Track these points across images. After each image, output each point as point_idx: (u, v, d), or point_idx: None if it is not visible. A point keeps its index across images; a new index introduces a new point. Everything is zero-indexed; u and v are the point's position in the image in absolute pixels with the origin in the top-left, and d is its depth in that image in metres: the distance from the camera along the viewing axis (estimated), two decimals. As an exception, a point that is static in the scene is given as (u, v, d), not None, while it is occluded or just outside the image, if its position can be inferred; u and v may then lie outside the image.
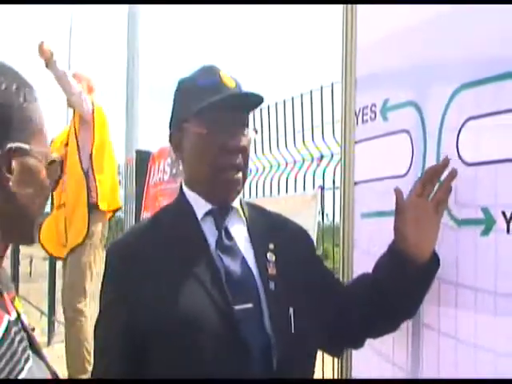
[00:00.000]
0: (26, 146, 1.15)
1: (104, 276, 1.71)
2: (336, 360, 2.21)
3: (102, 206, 5.11)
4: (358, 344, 1.87)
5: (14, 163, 1.14)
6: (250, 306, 1.59)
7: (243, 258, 1.65)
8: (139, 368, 1.57)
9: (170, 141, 1.75)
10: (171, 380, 1.54)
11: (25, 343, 1.14)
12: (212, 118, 1.62)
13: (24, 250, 5.92)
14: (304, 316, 1.62)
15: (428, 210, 1.67)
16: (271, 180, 4.48)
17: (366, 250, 1.94)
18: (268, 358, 1.55)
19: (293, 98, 4.18)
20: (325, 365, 3.79)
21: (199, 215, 1.68)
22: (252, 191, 4.72)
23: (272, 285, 1.62)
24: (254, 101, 1.71)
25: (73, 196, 5.01)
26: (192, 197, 1.70)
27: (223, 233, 1.67)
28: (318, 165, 3.98)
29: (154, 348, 1.56)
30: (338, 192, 3.15)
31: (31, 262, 10.86)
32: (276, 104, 4.36)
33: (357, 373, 2.09)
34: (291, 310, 1.60)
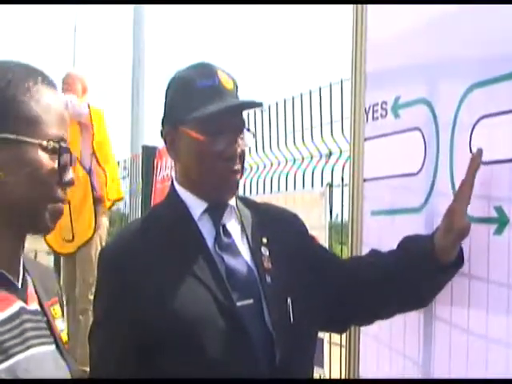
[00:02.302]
0: (11, 136, 1.16)
1: (98, 283, 1.67)
2: (344, 353, 2.20)
3: (105, 198, 5.26)
4: (365, 321, 1.89)
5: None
6: (251, 301, 1.59)
7: (241, 254, 1.65)
8: (143, 372, 1.55)
9: (163, 137, 1.71)
10: (173, 380, 1.53)
11: (36, 333, 1.21)
12: (211, 125, 1.60)
13: (28, 244, 5.93)
14: (303, 302, 1.63)
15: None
16: (279, 176, 4.48)
17: (375, 247, 1.93)
18: (270, 352, 1.56)
19: (302, 95, 4.18)
20: (332, 356, 3.79)
21: (196, 214, 1.66)
22: (259, 187, 4.73)
23: (268, 278, 1.62)
24: (253, 107, 1.73)
25: (78, 193, 5.09)
26: (186, 196, 1.68)
27: (221, 230, 1.66)
28: (326, 162, 3.99)
29: (159, 350, 1.54)
30: (346, 189, 3.15)
31: (35, 256, 10.87)
32: (285, 100, 4.37)
33: (365, 365, 2.08)
34: (289, 300, 1.61)
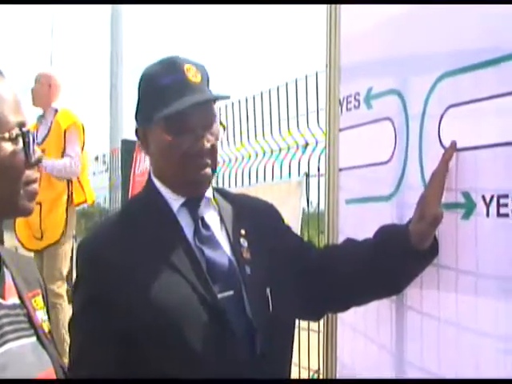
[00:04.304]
0: None
1: (77, 275, 1.66)
2: (321, 341, 2.24)
3: (77, 200, 5.32)
4: (340, 309, 1.94)
5: None
6: (231, 293, 1.61)
7: (221, 246, 1.67)
8: (125, 365, 1.55)
9: (135, 133, 1.73)
10: (169, 380, 1.54)
11: (13, 327, 1.24)
12: (176, 123, 1.60)
13: (8, 241, 6.10)
14: (281, 291, 1.65)
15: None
16: (257, 167, 4.53)
17: (350, 235, 1.97)
18: (251, 342, 1.59)
19: (278, 87, 4.22)
20: (311, 347, 3.84)
21: (174, 207, 1.67)
22: (238, 179, 4.77)
23: (248, 269, 1.64)
24: (220, 100, 1.74)
25: (52, 196, 5.15)
26: (163, 189, 1.69)
27: (200, 223, 1.67)
28: (303, 152, 4.03)
29: (140, 340, 1.55)
30: (322, 179, 3.19)
31: (16, 251, 10.84)
32: (261, 93, 4.41)
33: (342, 353, 2.13)
34: (268, 290, 1.63)
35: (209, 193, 1.72)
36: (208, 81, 1.69)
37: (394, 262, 1.72)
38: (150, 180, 1.73)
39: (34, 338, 1.29)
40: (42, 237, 5.14)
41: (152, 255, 1.59)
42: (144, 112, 1.68)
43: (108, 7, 9.56)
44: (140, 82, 1.71)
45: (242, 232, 1.70)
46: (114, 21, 9.51)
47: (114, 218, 1.77)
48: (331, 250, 1.95)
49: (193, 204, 1.68)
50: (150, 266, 1.58)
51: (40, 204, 5.06)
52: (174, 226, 1.65)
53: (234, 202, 1.78)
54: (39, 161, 1.27)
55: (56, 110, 5.27)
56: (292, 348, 1.79)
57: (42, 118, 5.33)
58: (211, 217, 1.71)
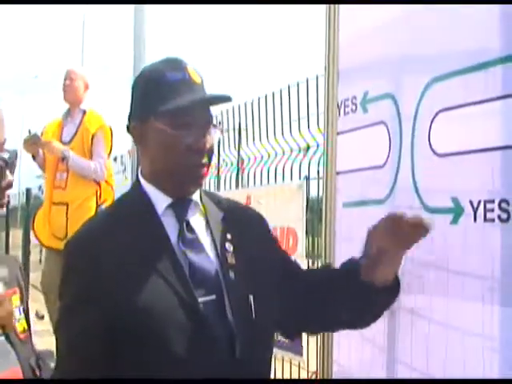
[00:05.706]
0: None
1: (63, 274, 1.66)
2: (319, 338, 2.27)
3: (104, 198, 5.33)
4: (314, 331, 1.97)
5: None
6: (213, 297, 1.60)
7: (205, 250, 1.66)
8: (109, 364, 1.56)
9: (130, 131, 1.70)
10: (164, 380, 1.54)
11: None
12: (180, 117, 1.61)
13: (34, 239, 6.17)
14: (263, 301, 1.64)
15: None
16: (261, 170, 4.55)
17: (346, 237, 2.00)
18: (231, 346, 1.58)
19: (281, 90, 4.24)
20: (309, 343, 3.85)
21: (160, 209, 1.65)
22: (244, 181, 4.79)
23: (232, 274, 1.64)
24: (223, 101, 1.76)
25: (82, 197, 5.14)
26: (151, 190, 1.67)
27: (185, 226, 1.65)
28: (304, 155, 4.05)
29: (122, 343, 1.55)
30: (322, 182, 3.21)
31: (41, 250, 10.95)
32: (266, 96, 4.43)
33: (338, 350, 2.16)
34: (251, 297, 1.62)
35: (196, 195, 1.72)
36: (204, 84, 1.70)
37: (347, 296, 1.70)
38: (137, 181, 1.73)
39: (1, 337, 1.30)
40: (65, 236, 5.14)
41: (135, 257, 1.59)
42: (144, 107, 1.67)
43: (131, 10, 9.64)
44: (138, 81, 1.72)
45: (228, 236, 1.69)
46: (138, 23, 9.58)
47: (100, 218, 1.75)
48: (309, 276, 1.89)
49: (179, 206, 1.68)
50: (133, 268, 1.58)
51: (67, 205, 5.11)
52: (159, 228, 1.64)
53: (222, 207, 1.78)
54: (9, 186, 1.27)
55: (84, 112, 5.23)
56: (271, 354, 1.78)
57: (68, 115, 5.34)
58: (197, 220, 1.70)
